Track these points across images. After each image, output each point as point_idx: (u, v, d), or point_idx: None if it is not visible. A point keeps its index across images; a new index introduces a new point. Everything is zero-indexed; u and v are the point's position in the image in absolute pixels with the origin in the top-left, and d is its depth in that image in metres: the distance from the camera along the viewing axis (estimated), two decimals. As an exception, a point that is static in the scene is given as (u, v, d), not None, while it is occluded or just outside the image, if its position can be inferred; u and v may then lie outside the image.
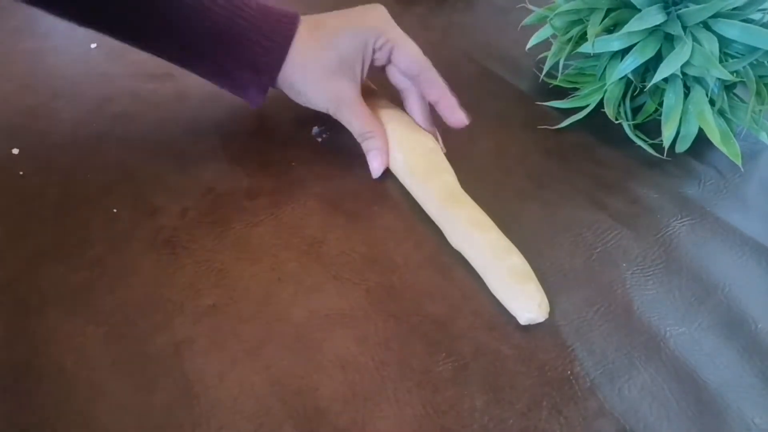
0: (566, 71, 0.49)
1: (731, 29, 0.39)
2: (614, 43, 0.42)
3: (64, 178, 0.39)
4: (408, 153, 0.39)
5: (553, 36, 0.48)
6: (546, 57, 0.47)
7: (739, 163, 0.41)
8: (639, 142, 0.43)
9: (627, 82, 0.44)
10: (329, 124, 0.42)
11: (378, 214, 0.38)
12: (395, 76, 0.41)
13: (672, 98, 0.42)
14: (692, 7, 0.39)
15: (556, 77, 0.49)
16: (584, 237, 0.37)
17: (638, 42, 0.41)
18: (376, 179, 0.40)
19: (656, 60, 0.41)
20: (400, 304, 0.33)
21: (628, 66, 0.41)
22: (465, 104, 0.40)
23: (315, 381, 0.29)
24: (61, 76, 0.48)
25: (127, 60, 0.49)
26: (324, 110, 0.40)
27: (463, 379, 0.29)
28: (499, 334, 0.32)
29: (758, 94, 0.40)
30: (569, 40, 0.45)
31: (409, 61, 0.39)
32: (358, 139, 0.39)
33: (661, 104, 0.43)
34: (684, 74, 0.41)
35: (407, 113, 0.42)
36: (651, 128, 0.44)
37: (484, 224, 0.35)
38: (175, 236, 0.35)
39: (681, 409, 0.29)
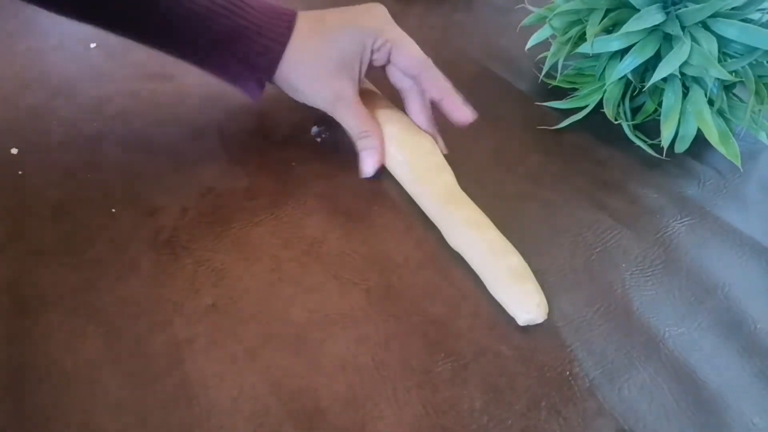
0: (565, 71, 0.49)
1: (730, 29, 0.39)
2: (613, 43, 0.42)
3: (64, 178, 0.39)
4: (408, 153, 0.39)
5: (553, 36, 0.48)
6: (545, 57, 0.47)
7: (738, 163, 0.41)
8: (638, 143, 0.43)
9: (626, 82, 0.44)
10: (329, 124, 0.42)
11: (378, 213, 0.38)
12: (395, 75, 0.40)
13: (671, 98, 0.42)
14: (691, 6, 0.39)
15: (555, 77, 0.49)
16: (584, 237, 0.37)
17: (637, 42, 0.41)
18: (376, 179, 0.39)
19: (655, 60, 0.41)
20: (400, 304, 0.33)
21: (627, 66, 0.41)
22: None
23: (315, 381, 0.29)
24: (61, 76, 0.48)
25: (126, 60, 0.49)
26: (321, 108, 0.39)
27: (463, 380, 0.30)
28: (499, 335, 0.32)
29: (757, 93, 0.40)
30: (568, 40, 0.45)
31: (408, 60, 0.39)
32: (354, 139, 0.39)
33: (660, 104, 0.43)
34: (683, 74, 0.41)
35: (407, 114, 0.42)
36: (650, 128, 0.44)
37: (482, 224, 0.35)
38: (175, 236, 0.35)
39: (680, 409, 0.29)
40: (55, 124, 0.43)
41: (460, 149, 0.42)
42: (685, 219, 0.39)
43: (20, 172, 0.39)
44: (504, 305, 0.32)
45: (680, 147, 0.43)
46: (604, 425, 0.28)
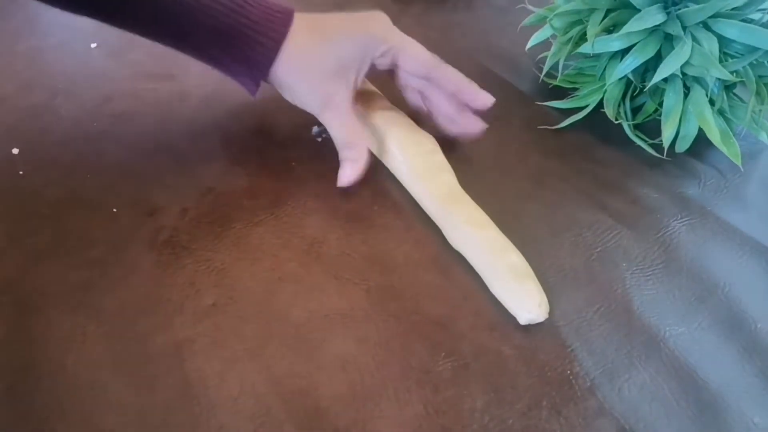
0: (566, 71, 0.49)
1: (731, 29, 0.39)
2: (614, 43, 0.42)
3: (64, 177, 0.39)
4: (408, 153, 0.39)
5: (553, 36, 0.48)
6: (546, 57, 0.47)
7: (738, 163, 0.41)
8: (639, 142, 0.43)
9: (627, 82, 0.44)
10: (329, 124, 0.42)
11: (378, 213, 0.38)
12: (406, 78, 0.40)
13: (672, 98, 0.42)
14: (692, 7, 0.39)
15: (555, 77, 0.49)
16: (584, 237, 0.37)
17: (638, 42, 0.41)
18: (376, 179, 0.39)
19: (656, 60, 0.41)
20: (400, 304, 0.33)
21: (627, 66, 0.41)
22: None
23: (315, 381, 0.29)
24: (61, 76, 0.48)
25: (127, 60, 0.49)
26: (309, 110, 0.39)
27: (464, 379, 0.30)
28: (500, 334, 0.32)
29: (758, 93, 0.40)
30: (569, 40, 0.45)
31: (416, 62, 0.38)
32: (338, 147, 0.38)
33: (660, 104, 0.43)
34: (684, 74, 0.41)
35: (406, 115, 0.41)
36: (651, 128, 0.44)
37: (483, 224, 0.35)
38: (175, 236, 0.35)
39: (681, 409, 0.29)
40: (55, 124, 0.43)
41: (461, 149, 0.42)
42: (686, 219, 0.39)
43: (21, 172, 0.39)
44: (505, 304, 0.32)
45: (681, 147, 0.43)
46: (605, 425, 0.28)
